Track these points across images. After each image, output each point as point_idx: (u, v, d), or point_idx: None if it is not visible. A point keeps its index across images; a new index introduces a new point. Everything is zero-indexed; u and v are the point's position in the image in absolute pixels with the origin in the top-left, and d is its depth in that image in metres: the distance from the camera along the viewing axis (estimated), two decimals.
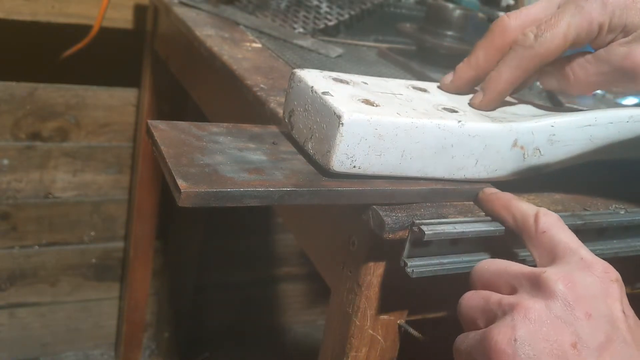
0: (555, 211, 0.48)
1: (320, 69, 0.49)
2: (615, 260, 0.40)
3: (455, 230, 0.43)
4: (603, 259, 0.39)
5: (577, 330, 0.34)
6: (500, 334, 0.35)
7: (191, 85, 0.95)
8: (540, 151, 0.47)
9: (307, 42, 0.84)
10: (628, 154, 0.51)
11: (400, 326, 0.49)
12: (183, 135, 0.45)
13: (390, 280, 0.47)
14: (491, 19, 0.84)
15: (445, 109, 0.47)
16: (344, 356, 0.48)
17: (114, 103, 1.27)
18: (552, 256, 0.39)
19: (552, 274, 0.36)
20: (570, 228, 0.40)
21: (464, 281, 0.47)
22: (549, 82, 0.50)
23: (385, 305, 0.48)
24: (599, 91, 0.83)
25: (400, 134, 0.42)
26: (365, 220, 0.44)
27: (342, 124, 0.41)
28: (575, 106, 0.74)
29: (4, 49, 1.15)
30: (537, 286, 0.36)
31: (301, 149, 0.46)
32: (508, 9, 1.00)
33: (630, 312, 0.37)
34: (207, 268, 1.52)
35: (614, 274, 0.37)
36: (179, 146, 0.43)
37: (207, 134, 0.46)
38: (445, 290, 0.50)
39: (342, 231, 0.49)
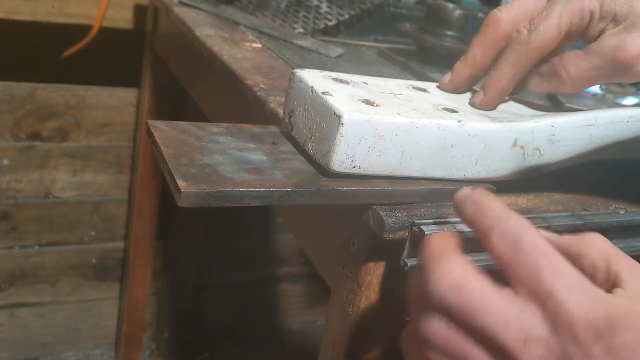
0: (555, 211, 0.48)
1: (320, 69, 0.49)
2: None
3: (455, 230, 0.43)
4: None
5: None
6: None
7: (191, 85, 0.95)
8: (540, 151, 0.47)
9: (307, 42, 0.84)
10: (628, 154, 0.51)
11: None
12: (183, 135, 0.45)
13: (390, 280, 0.47)
14: None
15: (445, 109, 0.47)
16: (343, 356, 0.48)
17: (114, 103, 1.27)
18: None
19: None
20: (570, 228, 0.40)
21: None
22: (539, 85, 0.50)
23: (385, 305, 0.48)
24: (599, 91, 0.83)
25: (400, 133, 0.42)
26: (365, 220, 0.44)
27: (342, 123, 0.41)
28: (575, 106, 0.74)
29: (4, 49, 1.15)
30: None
31: (301, 149, 0.46)
32: None
33: None
34: (207, 268, 1.52)
35: None
36: (179, 146, 0.43)
37: (207, 134, 0.46)
38: None
39: (342, 231, 0.49)
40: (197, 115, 1.20)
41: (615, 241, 0.50)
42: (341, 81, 0.48)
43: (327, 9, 0.95)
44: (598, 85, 0.82)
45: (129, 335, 1.43)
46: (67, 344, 1.45)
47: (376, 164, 0.43)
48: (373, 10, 0.96)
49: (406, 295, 0.38)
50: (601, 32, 0.47)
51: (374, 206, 0.43)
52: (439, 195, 0.45)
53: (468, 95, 0.53)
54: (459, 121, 0.44)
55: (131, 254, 1.35)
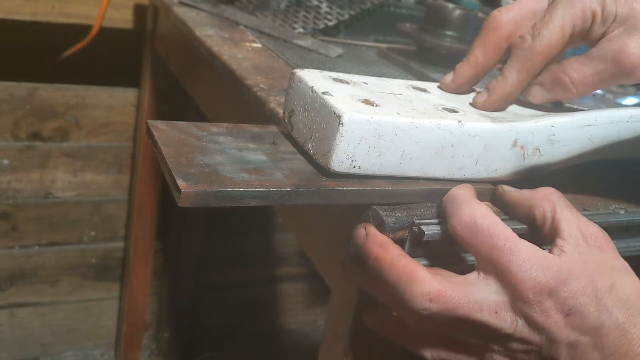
0: None
1: (320, 69, 0.49)
2: (618, 253, 0.40)
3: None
4: None
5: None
6: None
7: (191, 85, 0.95)
8: (540, 151, 0.47)
9: (307, 42, 0.84)
10: (628, 154, 0.51)
11: None
12: (183, 135, 0.45)
13: None
14: None
15: (445, 109, 0.47)
16: (344, 356, 0.48)
17: (114, 103, 1.27)
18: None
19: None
20: None
21: None
22: (541, 95, 0.50)
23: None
24: (599, 91, 0.83)
25: (400, 133, 0.42)
26: (365, 220, 0.44)
27: (342, 124, 0.41)
28: (575, 106, 0.74)
29: (4, 49, 1.15)
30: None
31: (301, 149, 0.46)
32: None
33: None
34: (207, 268, 1.52)
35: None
36: (178, 146, 0.43)
37: (207, 134, 0.46)
38: None
39: (342, 231, 0.49)
40: (197, 115, 1.20)
41: (615, 241, 0.50)
42: (341, 81, 0.47)
43: (327, 9, 0.95)
44: None
45: (129, 335, 1.43)
46: (67, 344, 1.45)
47: (376, 164, 0.43)
48: (373, 10, 0.96)
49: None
50: (604, 34, 0.47)
51: (374, 206, 0.43)
52: (439, 195, 0.45)
53: (468, 95, 0.53)
54: (459, 121, 0.44)
55: (131, 254, 1.35)
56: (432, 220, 0.43)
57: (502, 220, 0.44)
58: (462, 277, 0.39)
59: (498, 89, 0.49)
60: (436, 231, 0.42)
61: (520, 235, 0.39)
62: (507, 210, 0.45)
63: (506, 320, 0.38)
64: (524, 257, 0.38)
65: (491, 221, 0.39)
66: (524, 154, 0.47)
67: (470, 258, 0.45)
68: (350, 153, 0.42)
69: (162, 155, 0.41)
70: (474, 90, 0.53)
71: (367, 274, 0.42)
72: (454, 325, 0.39)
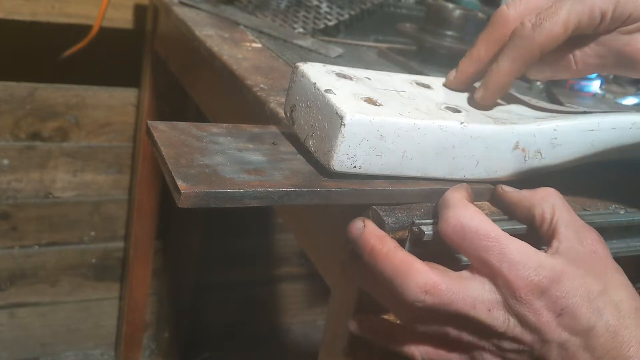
0: None
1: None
2: (615, 261, 0.41)
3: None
4: None
5: None
6: None
7: (191, 85, 0.95)
8: (541, 154, 0.47)
9: (307, 42, 0.84)
10: (628, 155, 0.51)
11: None
12: (183, 136, 0.45)
13: None
14: None
15: (448, 107, 0.47)
16: (344, 356, 0.48)
17: (114, 103, 1.27)
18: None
19: None
20: None
21: None
22: (539, 71, 0.49)
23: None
24: (599, 91, 0.83)
25: (402, 134, 0.42)
26: None
27: (344, 124, 0.40)
28: (575, 106, 0.74)
29: (4, 49, 1.15)
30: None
31: (302, 146, 0.46)
32: None
33: None
34: (207, 268, 1.52)
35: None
36: (178, 147, 0.43)
37: (207, 134, 0.46)
38: None
39: (342, 231, 0.49)
40: (197, 115, 1.20)
41: (615, 241, 0.50)
42: (344, 76, 0.47)
43: (327, 9, 0.95)
44: (598, 86, 0.82)
45: (129, 335, 1.43)
46: (67, 344, 1.45)
47: (377, 164, 0.43)
48: (373, 10, 0.96)
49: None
50: (615, 30, 0.46)
51: (374, 206, 0.43)
52: (439, 195, 0.45)
53: (471, 92, 0.53)
54: (461, 123, 0.44)
55: (131, 254, 1.35)
56: (432, 220, 0.43)
57: (501, 219, 0.44)
58: (457, 273, 0.39)
59: (492, 80, 0.48)
60: (436, 231, 0.42)
61: (519, 236, 0.39)
62: (507, 211, 0.45)
63: (498, 319, 0.38)
64: (515, 256, 0.37)
65: (478, 223, 0.39)
66: (525, 156, 0.46)
67: (466, 259, 0.45)
68: (351, 153, 0.41)
69: (162, 156, 0.41)
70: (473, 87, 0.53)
71: (362, 267, 0.41)
72: (447, 321, 0.39)
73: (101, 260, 1.41)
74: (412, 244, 0.43)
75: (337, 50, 0.83)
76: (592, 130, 0.47)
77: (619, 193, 0.53)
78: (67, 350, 1.46)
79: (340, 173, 0.42)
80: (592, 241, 0.40)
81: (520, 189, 0.45)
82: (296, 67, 0.47)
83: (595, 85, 0.82)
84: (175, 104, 1.23)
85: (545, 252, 0.39)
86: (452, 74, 0.52)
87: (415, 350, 0.41)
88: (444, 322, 0.39)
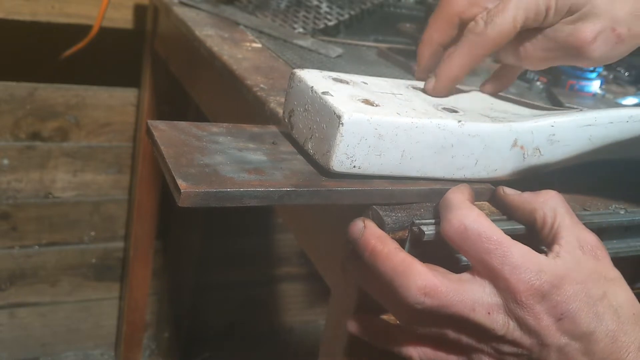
0: None
1: (320, 69, 0.49)
2: (615, 260, 0.41)
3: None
4: None
5: None
6: None
7: (191, 85, 0.95)
8: (540, 151, 0.47)
9: (307, 42, 0.84)
10: (628, 154, 0.51)
11: None
12: (183, 136, 0.45)
13: None
14: None
15: (445, 108, 0.47)
16: (344, 356, 0.48)
17: (114, 103, 1.27)
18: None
19: None
20: None
21: None
22: (505, 56, 0.51)
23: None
24: (598, 91, 0.83)
25: (400, 133, 0.42)
26: None
27: (342, 124, 0.41)
28: (574, 106, 0.74)
29: (4, 49, 1.15)
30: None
31: (301, 149, 0.46)
32: None
33: None
34: (207, 268, 1.52)
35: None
36: (178, 146, 0.43)
37: (207, 134, 0.46)
38: None
39: (342, 231, 0.49)
40: (197, 115, 1.20)
41: (615, 241, 0.50)
42: (341, 81, 0.47)
43: (327, 9, 0.95)
44: (598, 86, 0.82)
45: (129, 335, 1.43)
46: (67, 344, 1.45)
47: (376, 164, 0.43)
48: (373, 10, 0.96)
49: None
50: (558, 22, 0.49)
51: (374, 206, 0.43)
52: (439, 195, 0.45)
53: (468, 94, 0.53)
54: (459, 121, 0.44)
55: (131, 254, 1.35)
56: (432, 220, 0.43)
57: (500, 220, 0.45)
58: (457, 275, 0.39)
59: (444, 73, 0.50)
60: (436, 231, 0.42)
61: (518, 237, 0.39)
62: (507, 213, 0.45)
63: (498, 322, 0.38)
64: (517, 260, 0.38)
65: (481, 225, 0.39)
66: (523, 154, 0.47)
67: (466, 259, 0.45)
68: (350, 153, 0.42)
69: (162, 155, 0.41)
70: (458, 89, 0.53)
71: (362, 267, 0.41)
72: (446, 323, 0.39)
73: (101, 260, 1.41)
74: (412, 244, 0.43)
75: (337, 50, 0.83)
76: (590, 125, 0.48)
77: (618, 192, 0.53)
78: (67, 350, 1.46)
79: (340, 173, 0.42)
80: (593, 246, 0.40)
81: (521, 188, 0.45)
82: (293, 74, 0.47)
83: (595, 85, 0.82)
84: (175, 104, 1.24)
85: (546, 255, 0.39)
86: (430, 84, 0.53)
87: (414, 351, 0.41)
88: (443, 324, 0.39)
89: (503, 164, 0.47)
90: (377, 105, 0.44)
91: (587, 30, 0.47)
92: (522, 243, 0.39)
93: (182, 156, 0.42)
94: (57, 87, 1.21)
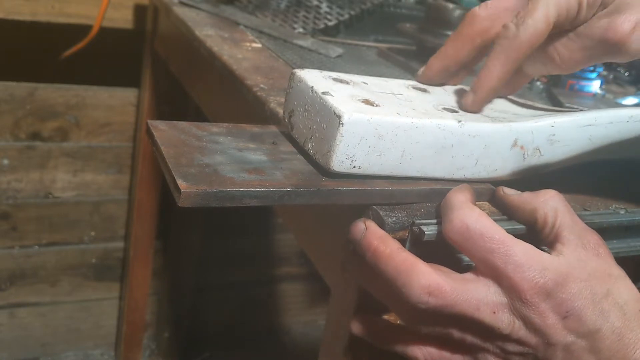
0: None
1: (320, 69, 0.49)
2: (615, 260, 0.41)
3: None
4: None
5: None
6: None
7: (191, 85, 0.95)
8: (540, 151, 0.47)
9: (307, 42, 0.84)
10: (628, 154, 0.51)
11: None
12: (183, 136, 0.45)
13: None
14: None
15: (445, 108, 0.47)
16: (344, 356, 0.48)
17: (114, 103, 1.27)
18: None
19: None
20: None
21: None
22: (534, 67, 0.49)
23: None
24: (599, 91, 0.83)
25: (401, 133, 0.42)
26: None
27: (342, 124, 0.41)
28: (575, 106, 0.74)
29: (4, 49, 1.15)
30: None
31: (301, 149, 0.46)
32: None
33: None
34: (207, 268, 1.52)
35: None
36: (179, 146, 0.43)
37: (207, 134, 0.46)
38: None
39: (342, 231, 0.49)
40: (197, 115, 1.21)
41: (615, 241, 0.50)
42: (341, 81, 0.47)
43: (327, 9, 0.95)
44: (598, 86, 0.82)
45: (129, 335, 1.43)
46: (67, 344, 1.45)
47: (376, 164, 0.43)
48: (373, 10, 0.96)
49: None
50: (591, 18, 0.47)
51: (374, 206, 0.43)
52: (439, 195, 0.45)
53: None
54: (459, 121, 0.44)
55: (131, 254, 1.35)
56: (432, 220, 0.43)
57: (501, 219, 0.44)
58: (460, 275, 0.39)
59: (483, 84, 0.48)
60: (436, 231, 0.42)
61: (518, 237, 0.39)
62: (508, 213, 0.45)
63: (503, 321, 0.38)
64: (521, 259, 0.37)
65: (483, 225, 0.39)
66: (524, 154, 0.47)
67: (471, 261, 0.45)
68: (351, 153, 0.41)
69: (162, 155, 0.41)
70: (446, 81, 0.53)
71: (364, 267, 0.41)
72: (450, 323, 0.39)
73: (101, 260, 1.41)
74: (412, 244, 0.43)
75: (337, 50, 0.83)
76: (590, 125, 0.48)
77: (619, 192, 0.53)
78: (67, 350, 1.46)
79: (340, 173, 0.42)
80: (595, 244, 0.40)
81: (521, 188, 0.45)
82: (293, 74, 0.47)
83: (595, 85, 0.82)
84: (175, 104, 1.24)
85: (549, 254, 0.39)
86: (421, 69, 0.53)
87: (418, 351, 0.41)
88: (447, 324, 0.39)
89: (503, 164, 0.47)
90: (377, 105, 0.44)
91: (625, 21, 0.44)
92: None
93: (182, 156, 0.42)
94: (57, 87, 1.21)
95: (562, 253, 0.39)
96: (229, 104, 0.78)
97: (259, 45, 0.81)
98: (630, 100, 0.84)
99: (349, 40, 0.92)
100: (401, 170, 0.44)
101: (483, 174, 0.46)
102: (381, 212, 0.43)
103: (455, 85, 0.54)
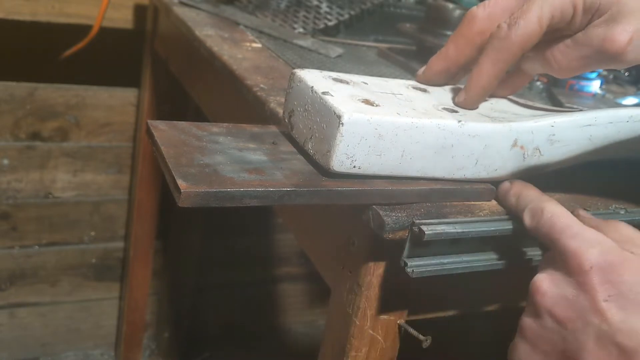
0: None
1: (320, 69, 0.49)
2: None
3: (455, 230, 0.43)
4: None
5: None
6: None
7: (191, 85, 0.95)
8: (540, 151, 0.47)
9: (307, 42, 0.84)
10: (628, 154, 0.51)
11: (400, 326, 0.49)
12: (183, 135, 0.45)
13: (390, 280, 0.47)
14: None
15: (445, 108, 0.47)
16: (344, 356, 0.48)
17: (114, 103, 1.27)
18: None
19: None
20: None
21: (464, 281, 0.48)
22: (532, 66, 0.50)
23: (385, 305, 0.48)
24: (599, 91, 0.83)
25: (400, 133, 0.42)
26: (365, 220, 0.44)
27: (342, 124, 0.41)
28: (575, 106, 0.74)
29: (4, 49, 1.15)
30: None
31: (301, 149, 0.46)
32: None
33: None
34: (207, 268, 1.52)
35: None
36: (179, 146, 0.43)
37: (207, 134, 0.46)
38: (445, 290, 0.50)
39: (342, 231, 0.49)
40: (197, 115, 1.21)
41: None
42: (341, 81, 0.47)
43: (327, 9, 0.95)
44: (598, 86, 0.82)
45: (129, 335, 1.43)
46: (67, 344, 1.45)
47: (376, 164, 0.43)
48: (373, 10, 0.96)
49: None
50: (586, 25, 0.46)
51: (374, 206, 0.43)
52: (439, 195, 0.45)
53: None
54: (459, 121, 0.44)
55: (131, 254, 1.35)
56: (432, 220, 0.43)
57: (501, 219, 0.44)
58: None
59: (474, 83, 0.48)
60: (436, 231, 0.42)
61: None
62: None
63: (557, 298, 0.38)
64: (584, 238, 0.38)
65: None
66: (524, 154, 0.47)
67: (471, 261, 0.45)
68: (351, 153, 0.42)
69: (162, 155, 0.41)
70: (446, 82, 0.53)
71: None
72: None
73: (101, 260, 1.41)
74: (412, 244, 0.43)
75: (337, 50, 0.83)
76: (590, 125, 0.48)
77: (619, 193, 0.53)
78: (67, 350, 1.46)
79: (340, 173, 0.42)
80: None
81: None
82: (293, 74, 0.47)
83: (595, 85, 0.82)
84: (175, 104, 1.24)
85: None
86: (422, 69, 0.53)
87: None
88: None
89: (503, 164, 0.47)
90: (377, 105, 0.44)
91: (623, 32, 0.44)
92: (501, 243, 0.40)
93: (182, 156, 0.42)
94: (57, 87, 1.21)
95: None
96: (229, 104, 0.78)
97: (259, 45, 0.81)
98: (630, 100, 0.84)
99: (349, 40, 0.92)
100: (401, 170, 0.44)
101: (483, 173, 0.46)
102: (381, 212, 0.43)
103: (455, 85, 0.54)
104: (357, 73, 0.53)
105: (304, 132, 0.45)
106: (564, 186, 0.52)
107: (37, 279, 1.36)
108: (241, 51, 0.76)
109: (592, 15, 0.46)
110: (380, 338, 0.49)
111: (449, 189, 0.46)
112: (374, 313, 0.48)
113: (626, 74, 0.95)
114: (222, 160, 0.42)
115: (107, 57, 1.23)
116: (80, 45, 1.14)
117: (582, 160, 0.49)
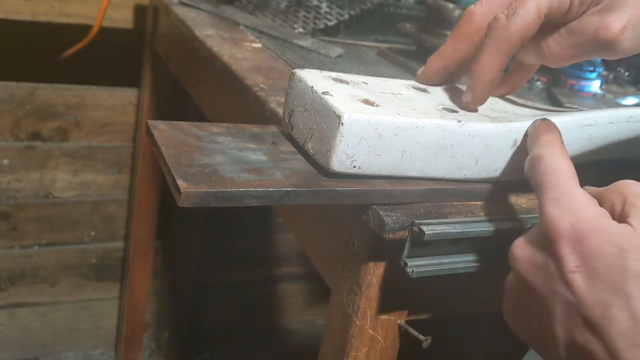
0: None
1: (320, 69, 0.49)
2: None
3: (455, 230, 0.43)
4: None
5: None
6: None
7: (191, 85, 0.95)
8: None
9: (307, 42, 0.84)
10: (628, 154, 0.51)
11: (400, 326, 0.49)
12: (183, 136, 0.45)
13: (390, 280, 0.47)
14: None
15: (445, 108, 0.47)
16: (344, 356, 0.48)
17: (114, 103, 1.27)
18: None
19: None
20: None
21: (464, 281, 0.48)
22: (527, 56, 0.49)
23: (385, 305, 0.48)
24: (599, 91, 0.83)
25: (400, 133, 0.42)
26: (365, 220, 0.44)
27: (342, 123, 0.41)
28: (575, 106, 0.74)
29: (4, 49, 1.15)
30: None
31: (301, 149, 0.46)
32: None
33: None
34: (207, 268, 1.52)
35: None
36: (179, 146, 0.43)
37: (207, 134, 0.46)
38: (445, 290, 0.50)
39: (342, 231, 0.49)
40: (197, 115, 1.20)
41: None
42: (341, 81, 0.47)
43: (327, 9, 0.95)
44: (598, 86, 0.82)
45: (129, 335, 1.43)
46: (67, 344, 1.45)
47: (376, 164, 0.43)
48: (373, 10, 0.96)
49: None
50: (583, 13, 0.46)
51: (374, 206, 0.43)
52: (439, 195, 0.45)
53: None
54: (459, 121, 0.44)
55: (131, 254, 1.35)
56: (432, 220, 0.43)
57: (501, 219, 0.44)
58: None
59: (478, 80, 0.47)
60: (436, 231, 0.42)
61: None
62: None
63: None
64: (569, 200, 0.37)
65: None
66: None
67: (471, 261, 0.45)
68: (351, 153, 0.42)
69: (162, 155, 0.41)
70: (446, 81, 0.53)
71: None
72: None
73: (101, 260, 1.41)
74: (412, 244, 0.43)
75: (337, 50, 0.83)
76: (590, 125, 0.48)
77: None
78: (67, 350, 1.46)
79: (340, 173, 0.42)
80: None
81: (521, 187, 0.45)
82: (293, 74, 0.47)
83: (595, 85, 0.82)
84: (175, 104, 1.24)
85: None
86: (421, 69, 0.52)
87: None
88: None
89: (503, 164, 0.47)
90: (377, 105, 0.44)
91: (617, 20, 0.44)
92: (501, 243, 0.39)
93: (182, 156, 0.42)
94: (57, 87, 1.21)
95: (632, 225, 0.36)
96: (229, 104, 0.78)
97: (259, 45, 0.81)
98: (630, 100, 0.84)
99: (349, 40, 0.92)
100: (401, 170, 0.44)
101: (483, 173, 0.46)
102: (381, 212, 0.43)
103: (455, 84, 0.54)
104: (357, 73, 0.53)
105: (304, 132, 0.45)
106: None
107: (37, 279, 1.36)
108: (241, 51, 0.76)
109: (588, 5, 0.46)
110: (380, 338, 0.49)
111: (449, 189, 0.46)
112: (374, 313, 0.48)
113: (626, 74, 0.95)
114: (222, 160, 0.42)
115: (107, 57, 1.23)
116: (80, 45, 1.14)
117: (582, 160, 0.49)
